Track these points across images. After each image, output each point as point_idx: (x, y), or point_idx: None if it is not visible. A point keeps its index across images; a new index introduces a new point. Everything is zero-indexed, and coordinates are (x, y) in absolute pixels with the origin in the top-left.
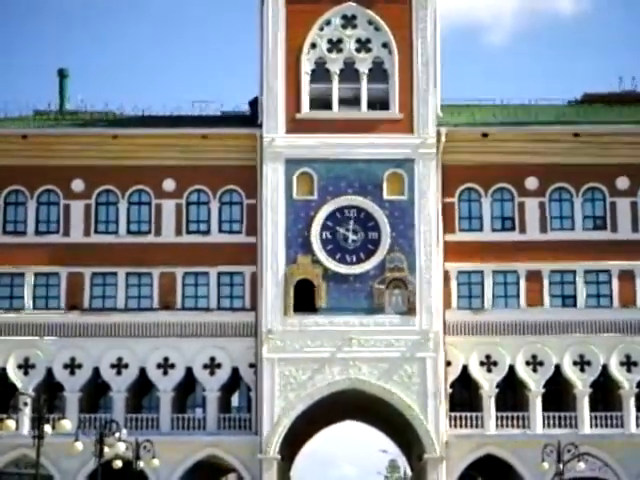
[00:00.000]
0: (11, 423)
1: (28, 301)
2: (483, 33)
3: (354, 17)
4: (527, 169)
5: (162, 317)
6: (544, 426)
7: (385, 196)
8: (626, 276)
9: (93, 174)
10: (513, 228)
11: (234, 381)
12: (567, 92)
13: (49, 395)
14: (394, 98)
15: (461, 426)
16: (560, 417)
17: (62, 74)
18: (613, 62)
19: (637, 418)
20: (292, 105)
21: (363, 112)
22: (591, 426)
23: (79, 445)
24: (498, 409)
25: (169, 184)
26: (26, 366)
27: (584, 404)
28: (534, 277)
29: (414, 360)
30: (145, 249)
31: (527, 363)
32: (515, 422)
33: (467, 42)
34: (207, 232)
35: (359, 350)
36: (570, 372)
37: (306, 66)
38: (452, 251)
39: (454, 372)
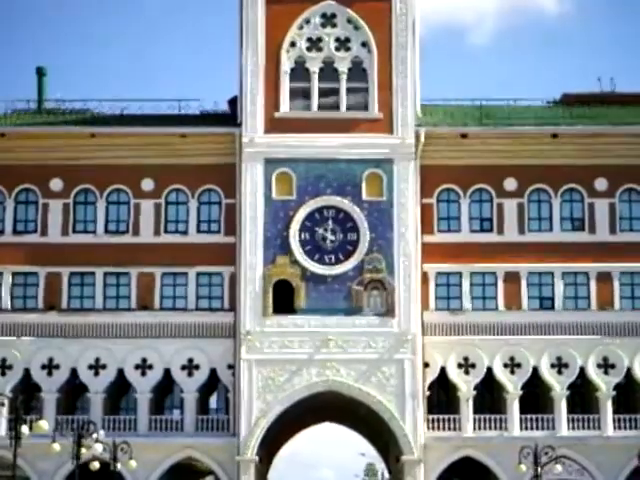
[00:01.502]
0: None
1: (6, 301)
2: (467, 34)
3: (334, 16)
4: (506, 170)
5: (140, 318)
6: (521, 428)
7: (364, 196)
8: (604, 278)
9: (71, 173)
10: (491, 229)
11: (212, 382)
12: (549, 93)
13: (26, 396)
14: (373, 98)
15: (439, 428)
16: (537, 419)
17: (40, 72)
18: (595, 63)
19: (614, 421)
20: (271, 104)
21: (342, 112)
22: (568, 428)
23: (56, 446)
24: (476, 411)
25: (148, 183)
26: (3, 367)
27: (561, 406)
28: (512, 278)
29: (392, 362)
30: (123, 249)
31: (505, 365)
32: (493, 424)
33: (450, 43)
34: (185, 232)
35: (337, 351)
36: (548, 374)
37: (285, 65)
38: (430, 252)
39: (432, 374)
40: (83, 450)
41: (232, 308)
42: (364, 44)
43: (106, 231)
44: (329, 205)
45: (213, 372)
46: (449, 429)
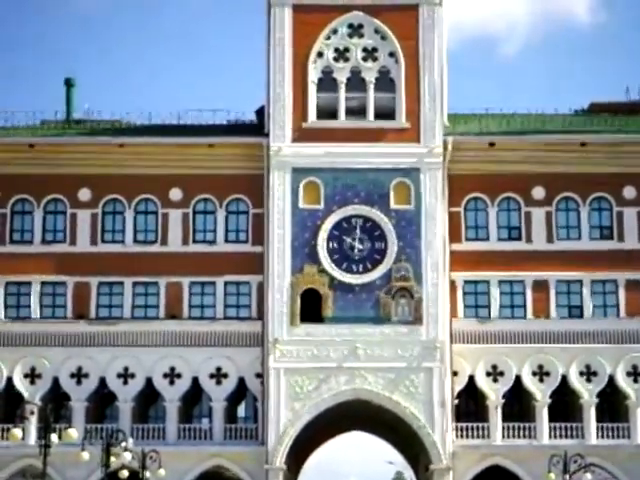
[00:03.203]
0: (17, 433)
1: (35, 310)
2: (498, 44)
3: (361, 26)
4: (534, 178)
5: (168, 327)
6: (550, 437)
7: (392, 205)
8: (633, 286)
9: (100, 183)
10: (519, 238)
11: (240, 391)
12: (577, 101)
13: (55, 405)
14: (400, 107)
15: (467, 436)
16: (567, 428)
17: (69, 83)
18: (624, 72)
19: None
20: (299, 114)
21: (369, 121)
22: (598, 437)
23: (85, 455)
24: (504, 419)
25: (176, 193)
26: (32, 375)
27: (591, 414)
28: (540, 287)
29: (420, 370)
30: (152, 258)
31: (533, 373)
32: (521, 433)
33: (482, 53)
34: (213, 241)
35: (365, 360)
36: (576, 382)
37: (313, 75)
38: (458, 260)
39: (460, 382)
40: (112, 458)
41: (260, 317)
42: (391, 54)
43: (134, 241)
44: (357, 214)
45: (241, 381)
46: (478, 437)
